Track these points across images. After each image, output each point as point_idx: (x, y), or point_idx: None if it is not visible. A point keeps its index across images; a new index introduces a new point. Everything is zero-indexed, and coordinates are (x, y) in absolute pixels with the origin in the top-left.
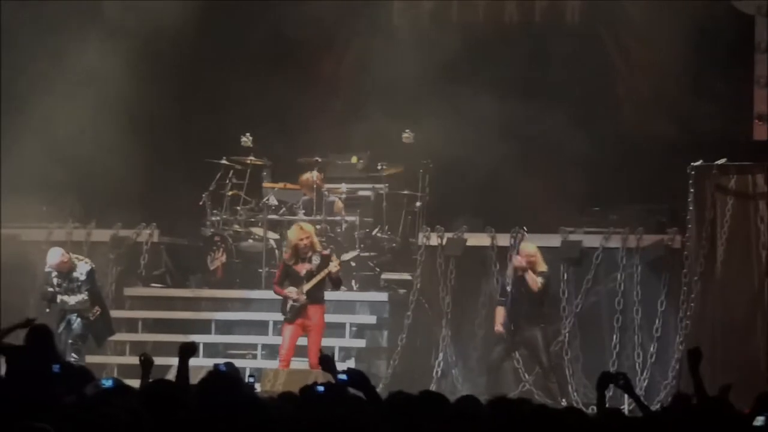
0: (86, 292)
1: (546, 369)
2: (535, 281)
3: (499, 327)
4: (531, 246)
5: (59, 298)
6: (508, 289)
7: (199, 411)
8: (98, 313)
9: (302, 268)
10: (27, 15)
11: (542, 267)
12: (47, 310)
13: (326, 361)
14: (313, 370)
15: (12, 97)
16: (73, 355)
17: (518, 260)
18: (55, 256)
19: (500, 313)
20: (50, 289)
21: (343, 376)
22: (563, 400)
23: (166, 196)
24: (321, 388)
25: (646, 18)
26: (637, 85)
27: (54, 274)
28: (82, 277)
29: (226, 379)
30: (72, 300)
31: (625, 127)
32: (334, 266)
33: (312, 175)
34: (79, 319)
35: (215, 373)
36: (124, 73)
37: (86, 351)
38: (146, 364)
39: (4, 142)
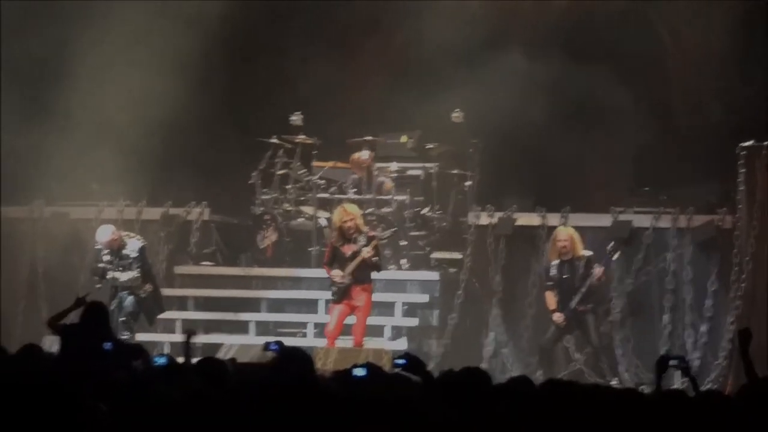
0: (137, 269)
1: (596, 349)
2: (601, 273)
3: (557, 315)
4: (564, 231)
5: (110, 274)
6: (553, 273)
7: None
8: (150, 290)
9: (348, 249)
10: None
11: (579, 249)
12: (98, 286)
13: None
14: (360, 348)
15: (62, 75)
16: (125, 332)
17: (598, 272)
18: (105, 233)
19: (551, 297)
20: (100, 266)
21: (401, 360)
22: (614, 379)
23: (217, 174)
24: (362, 372)
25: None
26: (687, 64)
27: (105, 251)
28: (134, 254)
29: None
30: (123, 277)
31: (674, 107)
32: (366, 252)
33: (363, 154)
34: (130, 297)
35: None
36: (174, 52)
37: (137, 329)
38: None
39: (54, 120)
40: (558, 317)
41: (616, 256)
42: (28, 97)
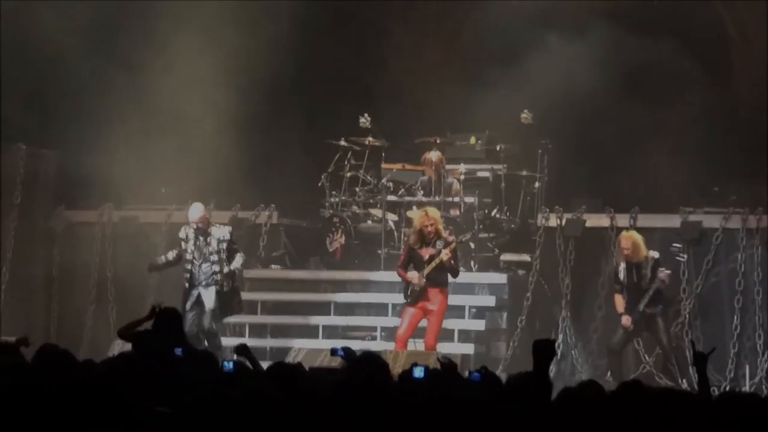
0: (222, 259)
1: (666, 350)
2: (667, 277)
3: (626, 319)
4: (626, 237)
5: (189, 266)
6: (621, 276)
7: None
8: (229, 286)
9: (425, 253)
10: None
11: (643, 252)
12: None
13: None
14: (431, 352)
15: (129, 80)
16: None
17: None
18: (197, 210)
19: (619, 300)
20: (170, 257)
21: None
22: (683, 381)
23: (285, 177)
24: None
25: None
26: (756, 63)
27: (190, 235)
28: (226, 237)
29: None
30: (204, 266)
31: (744, 106)
32: (445, 254)
33: (434, 154)
34: (209, 290)
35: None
36: (243, 55)
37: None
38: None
39: (123, 124)
40: (626, 320)
41: (683, 258)
42: (97, 104)
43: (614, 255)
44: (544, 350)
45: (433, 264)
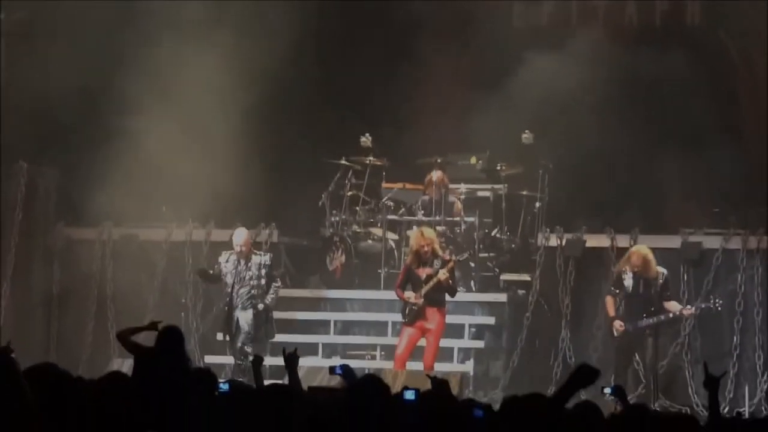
0: (263, 281)
1: (647, 370)
2: (690, 314)
3: (618, 323)
4: (638, 254)
5: (232, 288)
6: (626, 284)
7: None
8: (263, 307)
9: (423, 272)
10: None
11: (653, 269)
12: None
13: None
14: (429, 371)
15: (131, 98)
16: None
17: (688, 312)
18: (242, 234)
19: (611, 303)
20: (214, 271)
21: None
22: (656, 404)
23: (286, 196)
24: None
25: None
26: (756, 84)
27: (231, 259)
28: (267, 263)
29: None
30: (244, 290)
31: (745, 129)
32: (443, 274)
33: (437, 174)
34: (246, 312)
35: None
36: (244, 75)
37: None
38: (257, 362)
39: (124, 141)
40: (619, 325)
41: (718, 308)
42: (97, 120)
43: (619, 263)
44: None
45: (431, 283)
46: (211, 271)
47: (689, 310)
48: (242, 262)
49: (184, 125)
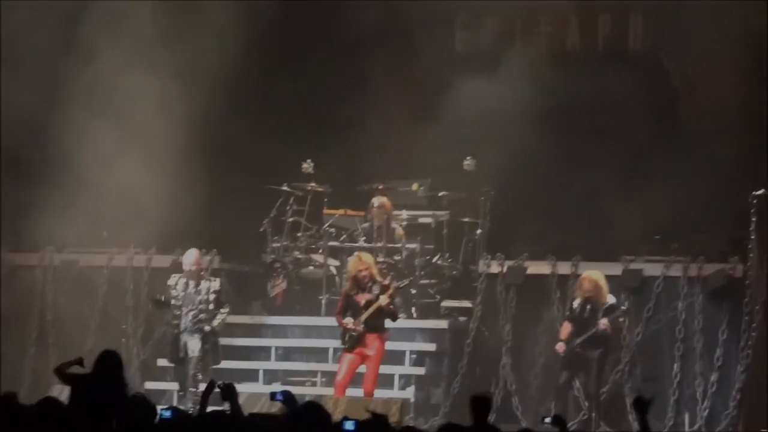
0: (212, 305)
1: (590, 397)
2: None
3: (559, 345)
4: (589, 279)
5: (178, 312)
6: (575, 306)
7: None
8: (209, 330)
9: (362, 298)
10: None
11: (604, 297)
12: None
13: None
14: (369, 398)
15: (70, 121)
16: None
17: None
18: (191, 255)
19: (566, 328)
20: (164, 297)
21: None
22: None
23: (227, 222)
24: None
25: (709, 46)
26: (700, 112)
27: (180, 282)
28: (215, 288)
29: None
30: (190, 315)
31: (686, 155)
32: (383, 300)
33: (380, 200)
34: (194, 338)
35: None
36: (185, 99)
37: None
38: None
39: (66, 167)
40: (559, 346)
41: (621, 319)
42: (37, 145)
43: (574, 291)
44: (481, 405)
45: (370, 310)
46: (163, 298)
47: (604, 322)
48: (191, 284)
49: (126, 150)
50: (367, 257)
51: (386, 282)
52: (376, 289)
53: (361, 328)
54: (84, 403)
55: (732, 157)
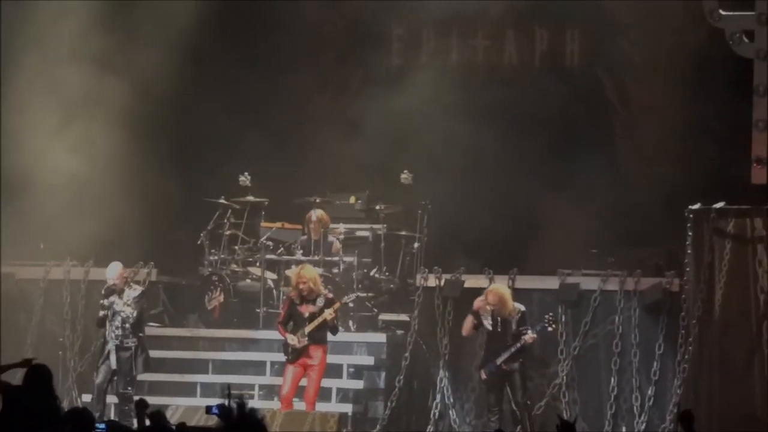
0: (135, 313)
1: (520, 407)
2: (532, 340)
3: (482, 373)
4: (494, 292)
5: (107, 322)
6: (485, 323)
7: None
8: (135, 343)
9: (306, 310)
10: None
11: (509, 306)
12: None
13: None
14: (310, 411)
15: (8, 131)
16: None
17: (530, 338)
18: (115, 268)
19: (469, 322)
20: (102, 313)
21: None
22: None
23: (164, 235)
24: None
25: (644, 60)
26: (636, 126)
27: (107, 293)
28: (133, 296)
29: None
30: (116, 325)
31: (622, 169)
32: (329, 314)
33: (317, 213)
34: (122, 353)
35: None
36: (122, 111)
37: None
38: (140, 406)
39: (2, 178)
40: (482, 374)
41: (551, 328)
42: None
43: (476, 301)
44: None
45: (316, 323)
46: (102, 313)
47: (531, 335)
48: (116, 296)
49: (63, 162)
50: (308, 271)
51: (330, 295)
52: (320, 302)
53: (305, 341)
54: (14, 415)
55: (668, 171)
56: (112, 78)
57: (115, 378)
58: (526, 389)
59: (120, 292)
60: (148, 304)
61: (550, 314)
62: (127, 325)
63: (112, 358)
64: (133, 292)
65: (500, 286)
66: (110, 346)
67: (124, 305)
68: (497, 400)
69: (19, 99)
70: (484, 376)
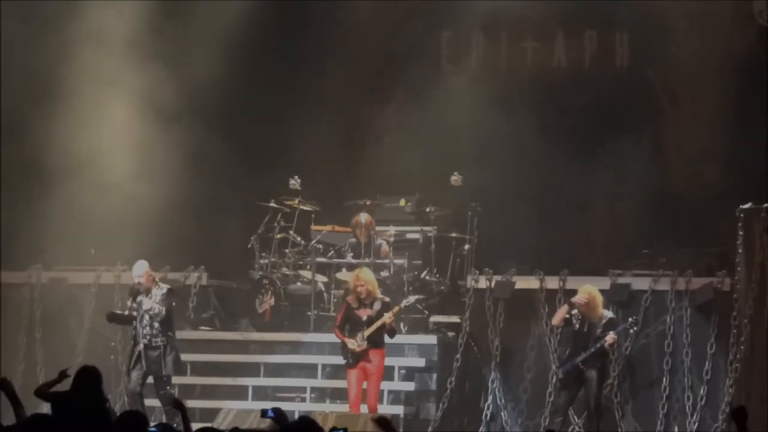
0: (163, 311)
1: (591, 414)
2: (613, 340)
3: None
4: (582, 294)
5: (136, 322)
6: (573, 321)
7: None
8: (165, 343)
9: (363, 313)
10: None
11: (598, 311)
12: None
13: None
14: (369, 413)
15: (61, 139)
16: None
17: (611, 338)
18: (141, 267)
19: (563, 311)
20: (127, 313)
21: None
22: None
23: (215, 239)
24: None
25: (693, 61)
26: (685, 128)
27: (135, 296)
28: (162, 292)
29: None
30: (145, 326)
31: (673, 170)
32: (388, 317)
33: (363, 217)
34: (153, 352)
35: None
36: (172, 116)
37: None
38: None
39: (52, 183)
40: (559, 373)
41: (633, 330)
42: (26, 161)
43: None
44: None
45: (374, 327)
46: (125, 312)
47: (612, 336)
48: (144, 295)
49: (112, 167)
50: (365, 274)
51: (386, 299)
52: (377, 305)
53: (365, 345)
54: (65, 419)
55: (718, 171)
56: (165, 80)
57: (149, 380)
58: (600, 396)
59: (147, 291)
60: (200, 308)
61: (634, 317)
62: (156, 324)
63: (144, 356)
64: (161, 290)
65: (593, 289)
66: (140, 347)
67: (153, 303)
68: (567, 402)
69: (65, 100)
70: (560, 375)
